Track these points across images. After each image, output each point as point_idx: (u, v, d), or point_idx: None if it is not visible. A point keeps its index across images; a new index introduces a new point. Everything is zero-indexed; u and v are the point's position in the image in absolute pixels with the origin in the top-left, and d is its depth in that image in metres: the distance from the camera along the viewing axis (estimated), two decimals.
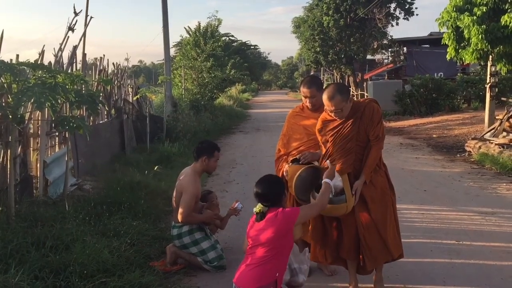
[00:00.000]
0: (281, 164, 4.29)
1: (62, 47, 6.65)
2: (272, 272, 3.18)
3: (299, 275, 3.47)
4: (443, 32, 11.26)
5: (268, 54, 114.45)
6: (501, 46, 9.86)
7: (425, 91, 20.78)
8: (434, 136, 14.60)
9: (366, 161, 3.67)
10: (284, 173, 4.05)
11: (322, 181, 3.52)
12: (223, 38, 29.45)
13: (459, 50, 10.72)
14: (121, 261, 4.21)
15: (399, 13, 30.09)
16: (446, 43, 10.96)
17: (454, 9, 10.53)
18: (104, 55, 9.36)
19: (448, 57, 11.22)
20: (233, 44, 33.83)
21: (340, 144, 3.66)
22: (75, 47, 7.13)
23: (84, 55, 7.59)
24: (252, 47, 40.14)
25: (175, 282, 4.18)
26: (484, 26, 9.72)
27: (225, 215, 5.02)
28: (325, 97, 3.63)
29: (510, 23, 9.24)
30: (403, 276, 4.21)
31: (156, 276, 4.13)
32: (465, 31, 10.12)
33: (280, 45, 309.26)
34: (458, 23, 10.38)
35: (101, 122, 9.22)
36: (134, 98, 11.88)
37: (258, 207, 3.29)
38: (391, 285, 4.02)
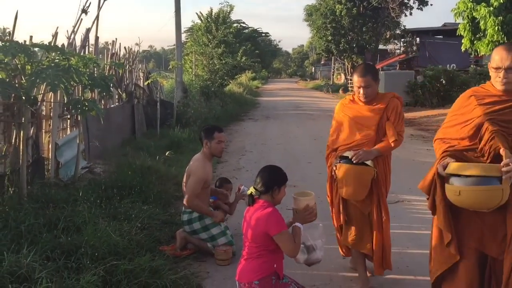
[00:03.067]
0: (329, 161, 3.93)
1: (75, 29, 6.64)
2: (269, 264, 3.17)
3: (316, 251, 3.43)
4: (458, 23, 11.12)
5: (279, 42, 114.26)
6: None
7: (437, 82, 20.58)
8: None
9: None
10: (333, 172, 3.79)
11: (293, 225, 3.29)
12: (235, 25, 29.28)
13: (474, 42, 10.58)
14: (132, 245, 4.23)
15: (413, 3, 29.86)
16: (462, 34, 10.82)
17: (471, 0, 10.37)
18: (116, 39, 9.36)
19: (463, 48, 11.08)
20: (244, 31, 33.62)
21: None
22: (88, 30, 7.11)
23: (96, 38, 7.58)
24: (263, 34, 39.89)
25: (185, 267, 4.19)
26: (501, 18, 9.57)
27: (233, 200, 5.04)
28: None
29: None
30: (413, 267, 4.20)
31: (166, 260, 4.13)
32: (481, 22, 9.98)
33: (291, 33, 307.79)
34: (474, 13, 10.23)
35: (112, 106, 9.23)
36: (145, 83, 11.87)
37: (251, 189, 3.30)
38: (402, 277, 4.01)
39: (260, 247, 3.17)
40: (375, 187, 3.70)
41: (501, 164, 2.45)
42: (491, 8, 9.81)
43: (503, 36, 9.66)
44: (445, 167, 2.62)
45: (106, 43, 9.80)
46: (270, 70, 74.78)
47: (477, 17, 10.12)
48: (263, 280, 3.16)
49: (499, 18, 9.58)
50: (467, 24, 10.49)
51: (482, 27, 10.02)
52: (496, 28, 9.56)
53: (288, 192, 3.40)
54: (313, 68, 73.84)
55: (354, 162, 3.60)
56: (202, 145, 4.68)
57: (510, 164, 2.42)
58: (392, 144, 3.68)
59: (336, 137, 3.88)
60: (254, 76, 46.64)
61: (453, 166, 2.58)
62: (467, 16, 10.42)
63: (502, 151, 2.50)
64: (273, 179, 3.29)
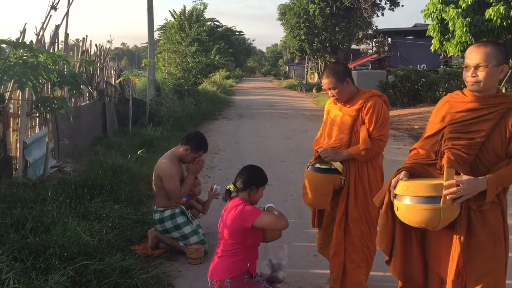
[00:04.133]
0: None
1: (45, 26, 6.51)
2: (242, 263, 3.19)
3: (279, 271, 3.47)
4: (428, 24, 11.34)
5: (253, 40, 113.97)
6: (484, 39, 9.95)
7: (408, 82, 20.96)
8: (416, 127, 14.75)
9: None
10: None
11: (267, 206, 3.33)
12: (208, 23, 29.18)
13: (443, 42, 10.81)
14: (102, 245, 4.17)
15: (385, 4, 30.32)
16: (431, 34, 11.05)
17: (440, 1, 10.59)
18: (87, 36, 9.20)
19: (432, 48, 11.32)
20: (218, 29, 33.52)
21: None
22: (57, 26, 6.98)
23: (66, 35, 7.45)
24: (237, 33, 39.79)
25: (156, 266, 4.17)
26: (469, 19, 9.81)
27: (206, 199, 5.05)
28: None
29: (494, 16, 9.35)
30: (383, 263, 4.25)
31: (138, 260, 4.10)
32: (450, 23, 10.21)
33: (265, 31, 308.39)
34: (443, 15, 10.45)
35: (82, 104, 9.08)
36: (117, 81, 11.72)
37: (230, 185, 3.33)
38: (372, 273, 4.07)
39: (236, 244, 3.18)
40: (345, 195, 3.49)
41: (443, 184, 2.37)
42: (460, 10, 10.04)
43: (470, 37, 9.90)
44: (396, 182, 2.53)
45: (77, 40, 9.59)
46: (244, 69, 74.80)
47: (446, 18, 10.35)
48: (235, 278, 3.17)
49: (467, 19, 9.82)
50: (436, 25, 10.71)
51: (451, 28, 10.24)
52: (464, 29, 9.79)
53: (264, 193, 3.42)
54: (287, 67, 74.20)
55: (319, 165, 3.48)
56: (181, 143, 4.64)
57: (451, 187, 2.34)
58: (362, 153, 3.37)
59: (319, 137, 3.73)
60: (228, 74, 46.57)
61: (399, 185, 2.50)
62: (436, 17, 10.65)
63: (445, 170, 2.40)
64: (252, 178, 3.33)
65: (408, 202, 2.42)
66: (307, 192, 3.51)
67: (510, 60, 2.65)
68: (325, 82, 3.48)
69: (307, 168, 3.57)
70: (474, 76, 2.44)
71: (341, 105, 3.54)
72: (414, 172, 2.58)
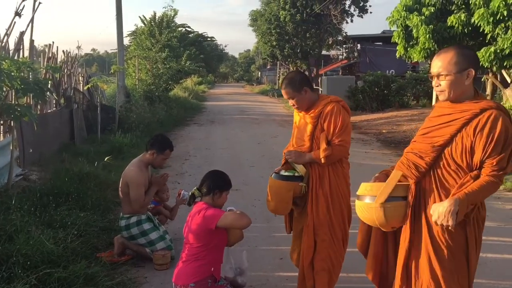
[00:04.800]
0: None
1: (9, 32, 6.43)
2: (206, 267, 3.26)
3: (238, 277, 3.55)
4: (394, 30, 11.61)
5: (225, 46, 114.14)
6: (446, 46, 10.25)
7: (376, 87, 21.36)
8: (384, 131, 15.06)
9: None
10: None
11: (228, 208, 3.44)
12: (179, 29, 29.14)
13: (408, 49, 11.06)
14: (67, 253, 4.15)
15: (354, 10, 30.84)
16: (396, 41, 11.30)
17: (404, 9, 10.86)
18: (53, 42, 9.10)
19: (397, 55, 11.57)
20: (189, 35, 33.47)
21: None
22: (22, 33, 6.90)
23: (31, 41, 7.36)
24: (208, 39, 39.78)
25: (122, 272, 4.17)
26: (432, 26, 10.07)
27: (174, 205, 5.07)
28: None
29: (456, 24, 9.63)
30: (347, 265, 4.34)
31: (103, 267, 4.09)
32: (414, 30, 10.46)
33: (238, 37, 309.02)
34: (407, 22, 10.71)
35: (49, 111, 8.96)
36: (85, 88, 11.60)
37: (194, 190, 3.43)
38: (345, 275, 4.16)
39: (201, 247, 3.24)
40: (310, 202, 3.46)
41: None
42: (423, 17, 10.30)
43: (433, 43, 10.16)
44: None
45: (45, 45, 9.45)
46: (216, 74, 74.70)
47: (410, 25, 10.61)
48: (199, 283, 3.22)
49: (430, 26, 10.08)
50: (401, 32, 10.96)
51: (415, 35, 10.50)
52: (427, 36, 10.04)
53: (230, 197, 3.48)
54: (260, 73, 74.45)
55: (283, 172, 3.50)
56: (146, 149, 4.65)
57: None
58: (322, 160, 3.36)
59: (289, 144, 3.73)
60: (200, 80, 46.46)
61: (360, 186, 2.63)
62: (401, 24, 10.90)
63: (393, 171, 2.56)
64: (216, 183, 3.41)
65: (360, 201, 2.56)
66: (269, 199, 3.55)
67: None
68: (283, 92, 3.52)
69: (271, 175, 3.60)
70: (438, 86, 2.40)
71: (304, 113, 3.55)
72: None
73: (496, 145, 2.24)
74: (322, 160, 3.37)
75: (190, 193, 3.47)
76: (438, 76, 2.39)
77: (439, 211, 2.29)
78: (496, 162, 2.25)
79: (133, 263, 4.44)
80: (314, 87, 3.71)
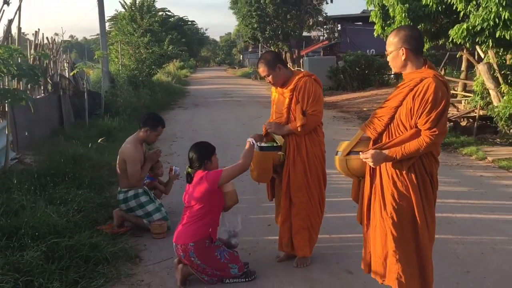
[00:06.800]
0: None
1: None
2: (205, 228, 3.63)
3: (232, 238, 3.91)
4: (372, 10, 11.90)
5: (206, 30, 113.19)
6: (422, 24, 10.60)
7: (357, 66, 21.74)
8: (364, 109, 15.51)
9: None
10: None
11: (247, 140, 3.82)
12: (160, 13, 29.01)
13: (385, 28, 11.38)
14: (70, 225, 4.46)
15: None
16: (374, 20, 11.61)
17: None
18: (39, 29, 9.25)
19: (375, 34, 11.89)
20: (170, 19, 33.29)
21: None
22: (10, 21, 7.06)
23: (19, 29, 7.52)
24: (189, 22, 39.59)
25: (122, 241, 4.49)
26: (407, 5, 10.36)
27: (168, 180, 5.41)
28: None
29: (430, 2, 9.96)
30: (329, 228, 4.76)
31: (105, 237, 4.43)
32: (390, 10, 10.75)
33: (218, 21, 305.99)
34: (384, 1, 11.00)
35: (38, 97, 9.15)
36: (71, 74, 11.74)
37: (187, 169, 3.79)
38: (319, 236, 4.55)
39: (203, 208, 3.62)
40: (287, 168, 3.87)
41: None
42: None
43: (409, 22, 10.48)
44: None
45: (23, 33, 9.55)
46: (198, 58, 74.30)
47: (386, 4, 10.91)
48: (198, 242, 3.59)
49: (405, 5, 10.38)
50: (378, 11, 11.26)
51: (391, 14, 10.80)
52: (403, 14, 10.34)
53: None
54: (241, 56, 74.31)
55: (264, 144, 3.93)
56: (139, 127, 4.96)
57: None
58: (298, 129, 3.75)
59: (269, 120, 4.08)
60: (182, 65, 46.32)
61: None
62: (378, 3, 11.20)
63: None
64: (201, 154, 3.76)
65: (335, 155, 3.11)
66: (252, 169, 3.95)
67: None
68: (260, 70, 3.93)
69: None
70: (388, 61, 2.93)
71: (280, 88, 3.94)
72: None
73: (427, 107, 2.66)
74: (299, 129, 3.76)
75: (185, 172, 3.82)
76: (387, 53, 2.91)
77: (371, 153, 2.81)
78: (425, 121, 2.68)
79: (131, 234, 4.77)
80: (296, 68, 4.08)
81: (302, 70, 23.60)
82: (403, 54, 2.80)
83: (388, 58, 2.90)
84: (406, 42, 2.79)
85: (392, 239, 2.79)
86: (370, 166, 2.92)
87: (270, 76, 3.86)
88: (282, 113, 3.90)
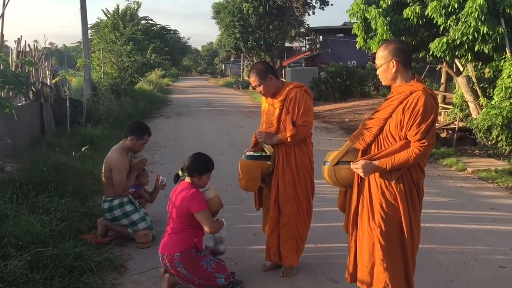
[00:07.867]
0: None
1: None
2: (190, 238, 3.63)
3: (219, 244, 3.91)
4: (354, 22, 12.11)
5: (188, 39, 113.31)
6: (403, 37, 10.81)
7: (338, 78, 21.97)
8: (346, 120, 15.69)
9: None
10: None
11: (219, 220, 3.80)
12: (143, 22, 28.98)
13: (367, 40, 11.57)
14: (54, 234, 4.41)
15: (315, 3, 31.39)
16: (356, 33, 11.79)
17: (363, 2, 11.34)
18: (21, 36, 9.15)
19: (357, 46, 12.07)
20: (153, 28, 33.28)
21: None
22: None
23: (1, 36, 7.44)
24: (172, 31, 39.60)
25: (107, 251, 4.46)
26: (389, 18, 10.58)
27: (153, 189, 5.39)
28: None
29: (411, 16, 10.18)
30: (314, 237, 4.80)
31: (89, 246, 4.38)
32: (372, 22, 10.96)
33: (200, 30, 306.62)
34: (366, 14, 11.20)
35: (19, 104, 9.03)
36: (53, 81, 11.61)
37: (179, 170, 3.79)
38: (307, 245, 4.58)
39: (183, 223, 3.61)
40: (276, 178, 3.88)
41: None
42: (380, 10, 10.82)
43: (391, 35, 10.69)
44: None
45: (5, 40, 9.37)
46: (180, 67, 74.13)
47: (368, 17, 11.11)
48: (184, 252, 3.58)
49: (387, 18, 10.59)
50: (360, 24, 11.45)
51: (373, 27, 11.00)
52: (385, 27, 10.55)
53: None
54: (223, 66, 74.42)
55: (252, 153, 3.95)
56: (125, 136, 4.94)
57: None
58: (289, 139, 3.78)
59: (259, 130, 4.10)
60: (164, 73, 46.20)
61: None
62: (360, 16, 11.39)
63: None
64: (195, 166, 3.74)
65: (323, 165, 3.14)
66: (240, 178, 3.97)
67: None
68: (251, 80, 3.98)
69: (242, 157, 4.03)
70: (378, 74, 2.98)
71: (270, 99, 3.97)
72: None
73: (417, 119, 2.73)
74: (289, 139, 3.80)
75: (176, 173, 3.82)
76: (377, 67, 2.97)
77: (362, 163, 2.86)
78: (415, 133, 2.74)
79: (116, 243, 4.72)
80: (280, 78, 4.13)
81: (284, 80, 23.83)
82: (393, 66, 2.86)
83: (378, 72, 2.97)
84: (395, 55, 2.85)
85: (380, 248, 2.84)
86: (358, 176, 2.97)
87: (261, 86, 3.90)
88: (272, 123, 3.94)
